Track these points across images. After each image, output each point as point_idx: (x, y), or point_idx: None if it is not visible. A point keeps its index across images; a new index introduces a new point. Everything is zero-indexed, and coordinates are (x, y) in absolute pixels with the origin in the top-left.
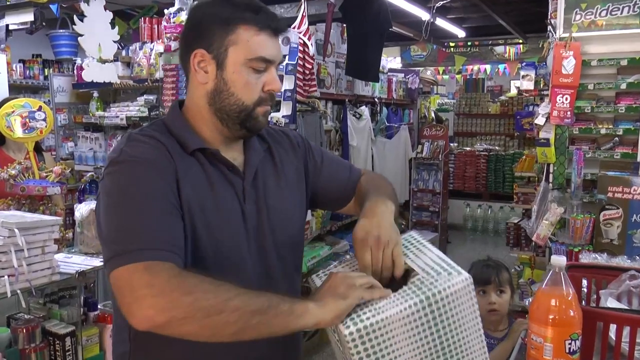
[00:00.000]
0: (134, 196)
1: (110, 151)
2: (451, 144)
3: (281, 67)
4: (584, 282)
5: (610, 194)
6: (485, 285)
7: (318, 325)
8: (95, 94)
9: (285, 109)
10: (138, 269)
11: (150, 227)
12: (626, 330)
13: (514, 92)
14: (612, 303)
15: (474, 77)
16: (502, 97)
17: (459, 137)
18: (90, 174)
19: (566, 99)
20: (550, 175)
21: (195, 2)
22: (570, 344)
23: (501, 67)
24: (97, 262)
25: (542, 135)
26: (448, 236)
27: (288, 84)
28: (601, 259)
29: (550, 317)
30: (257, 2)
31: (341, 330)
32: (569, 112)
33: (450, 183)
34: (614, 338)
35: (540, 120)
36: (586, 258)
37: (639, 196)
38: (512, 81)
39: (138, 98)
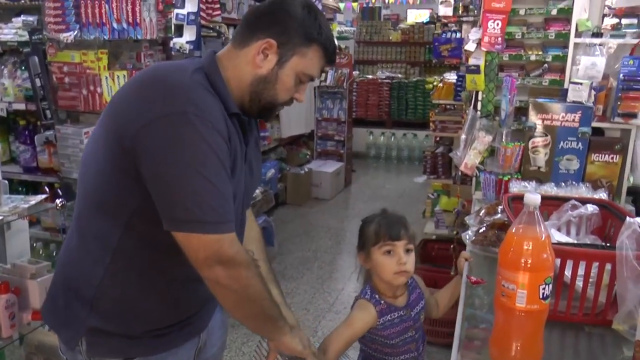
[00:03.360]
0: (208, 160)
1: (158, 86)
2: (353, 72)
3: None
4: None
5: (539, 121)
6: (395, 241)
7: (279, 345)
8: None
9: (189, 34)
10: (223, 242)
11: (225, 197)
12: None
13: (411, 20)
14: (556, 235)
15: (370, 5)
16: (402, 25)
17: (360, 65)
18: None
19: (497, 24)
20: (479, 103)
21: None
22: (544, 288)
23: None
24: None
25: (472, 61)
26: (353, 165)
27: (191, 6)
28: (530, 186)
29: (524, 261)
30: (333, 36)
31: None
32: (499, 38)
33: (353, 111)
34: (569, 275)
35: (470, 47)
36: (516, 186)
37: (567, 123)
38: (408, 10)
39: (13, 19)
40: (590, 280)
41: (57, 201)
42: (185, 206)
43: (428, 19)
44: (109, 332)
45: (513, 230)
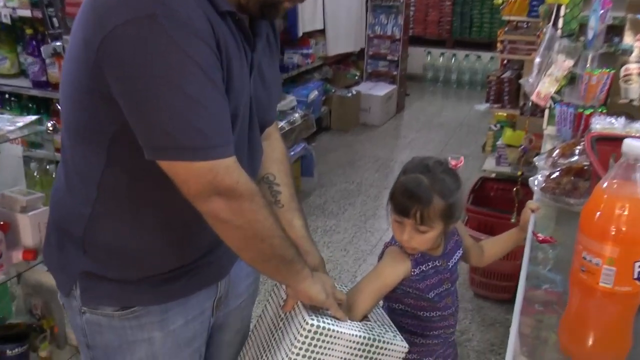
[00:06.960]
0: (186, 71)
1: None
2: None
3: None
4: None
5: (636, 43)
6: (402, 217)
7: (297, 293)
8: None
9: None
10: (216, 169)
11: (215, 115)
12: None
13: None
14: None
15: None
16: None
17: None
18: None
19: None
20: (560, 20)
21: None
22: None
23: None
24: None
25: None
26: (407, 88)
27: None
28: (618, 123)
29: (615, 229)
30: None
31: (306, 319)
32: None
33: (410, 28)
34: None
35: None
36: (599, 122)
37: None
38: None
39: None
40: None
41: (49, 124)
42: (164, 130)
43: None
44: (104, 276)
45: (604, 186)
